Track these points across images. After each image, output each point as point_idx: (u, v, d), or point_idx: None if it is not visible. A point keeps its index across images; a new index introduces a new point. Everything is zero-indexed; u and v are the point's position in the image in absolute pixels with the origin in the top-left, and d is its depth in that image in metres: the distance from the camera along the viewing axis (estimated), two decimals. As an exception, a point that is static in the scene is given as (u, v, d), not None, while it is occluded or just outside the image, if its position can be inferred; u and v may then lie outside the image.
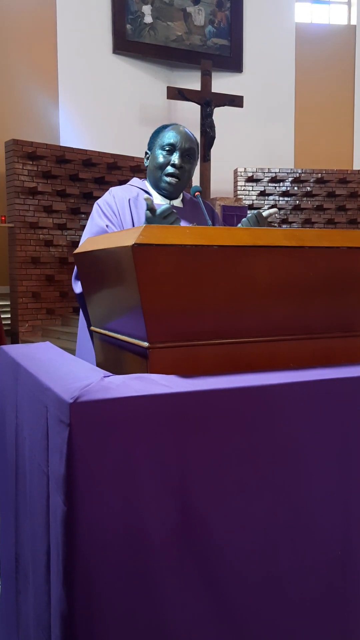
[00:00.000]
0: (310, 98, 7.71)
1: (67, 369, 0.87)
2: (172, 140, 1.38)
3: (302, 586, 0.79)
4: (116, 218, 1.37)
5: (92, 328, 1.09)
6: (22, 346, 1.19)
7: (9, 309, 5.49)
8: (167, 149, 1.38)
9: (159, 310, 0.79)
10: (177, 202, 1.46)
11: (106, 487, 0.66)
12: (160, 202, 1.43)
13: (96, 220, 1.39)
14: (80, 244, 1.42)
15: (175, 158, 1.37)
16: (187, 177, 1.41)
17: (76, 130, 6.51)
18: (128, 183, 1.50)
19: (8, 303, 5.52)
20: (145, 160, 1.46)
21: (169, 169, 1.38)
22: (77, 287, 1.39)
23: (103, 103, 6.68)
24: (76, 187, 5.63)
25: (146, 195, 1.20)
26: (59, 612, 0.67)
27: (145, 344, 0.80)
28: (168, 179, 1.38)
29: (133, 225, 1.37)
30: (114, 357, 0.98)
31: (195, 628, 0.72)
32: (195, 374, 0.80)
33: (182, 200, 1.48)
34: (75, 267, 1.39)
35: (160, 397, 0.70)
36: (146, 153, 1.46)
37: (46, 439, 0.75)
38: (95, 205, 1.43)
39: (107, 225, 1.36)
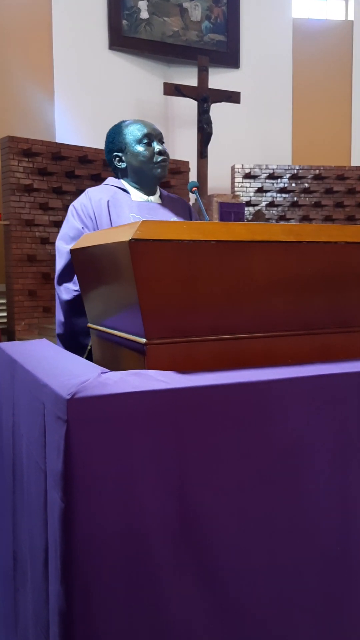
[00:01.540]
0: (307, 94, 7.69)
1: (64, 365, 0.87)
2: (145, 131, 1.39)
3: (299, 582, 0.79)
4: (91, 222, 1.36)
5: (89, 325, 1.08)
6: (18, 343, 1.18)
7: (5, 307, 5.47)
8: (145, 141, 1.38)
9: (156, 306, 0.78)
10: (155, 198, 1.45)
11: (104, 483, 0.66)
12: (139, 199, 1.42)
13: (72, 222, 1.38)
14: (57, 247, 1.40)
15: (157, 146, 1.40)
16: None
17: (72, 126, 6.47)
18: (104, 183, 1.48)
19: (4, 301, 5.49)
20: (117, 163, 1.43)
21: (158, 158, 1.39)
22: (65, 293, 1.35)
23: (99, 99, 6.64)
24: (72, 184, 5.60)
25: None
26: (57, 609, 0.67)
27: (143, 340, 0.80)
28: (160, 164, 1.40)
29: (111, 226, 1.35)
30: (111, 354, 0.98)
31: (193, 623, 0.72)
32: (193, 370, 0.80)
33: (160, 196, 1.48)
34: (60, 271, 1.36)
35: (157, 393, 0.69)
36: (116, 156, 1.43)
37: (43, 436, 0.74)
38: (70, 207, 1.41)
39: (82, 227, 1.35)
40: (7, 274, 5.42)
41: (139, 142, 1.38)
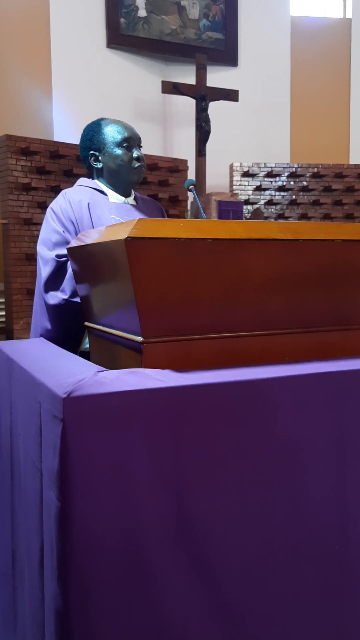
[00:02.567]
0: (306, 92, 7.68)
1: (61, 364, 0.87)
2: (126, 135, 1.39)
3: (298, 580, 0.79)
4: (72, 225, 1.35)
5: (86, 323, 1.08)
6: (15, 342, 1.18)
7: (3, 306, 5.46)
8: (124, 145, 1.39)
9: (153, 304, 0.78)
10: (131, 200, 1.46)
11: (100, 482, 0.66)
12: (116, 200, 1.42)
13: (52, 225, 1.36)
14: (39, 253, 1.38)
15: (136, 152, 1.40)
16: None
17: (70, 125, 6.45)
18: (78, 184, 1.47)
19: (3, 300, 5.49)
20: (93, 162, 1.42)
21: (135, 164, 1.40)
22: (52, 299, 1.33)
23: (97, 97, 6.62)
24: (70, 183, 5.56)
25: None
26: (53, 609, 0.66)
27: (140, 339, 0.79)
28: (136, 171, 1.41)
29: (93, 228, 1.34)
30: (108, 353, 0.97)
31: (191, 622, 0.72)
32: (190, 368, 0.79)
33: (135, 198, 1.49)
34: (46, 279, 1.33)
35: (154, 391, 0.69)
36: (92, 154, 1.42)
37: (39, 435, 0.74)
38: (49, 210, 1.39)
39: (63, 231, 1.34)
40: (5, 273, 5.41)
41: (119, 145, 1.38)
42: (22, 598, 0.91)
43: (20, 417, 0.88)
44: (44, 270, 1.35)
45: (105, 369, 0.78)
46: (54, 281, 1.34)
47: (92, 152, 1.42)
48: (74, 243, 1.04)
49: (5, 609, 1.05)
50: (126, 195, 1.45)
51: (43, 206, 5.38)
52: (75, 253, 1.03)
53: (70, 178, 5.58)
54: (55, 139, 6.12)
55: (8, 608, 1.03)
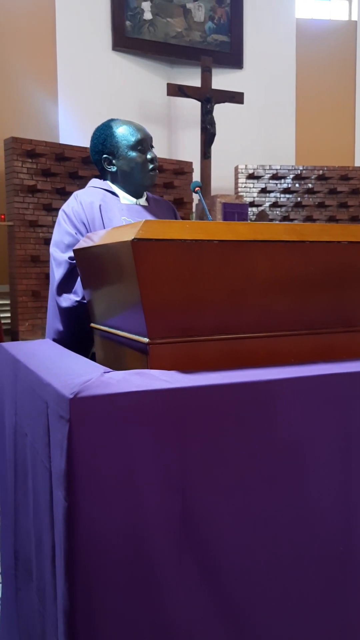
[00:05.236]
0: (311, 94, 7.68)
1: (67, 365, 0.87)
2: (139, 136, 1.39)
3: (302, 580, 0.79)
4: (84, 227, 1.35)
5: (92, 325, 1.09)
6: (21, 343, 1.18)
7: (8, 308, 5.49)
8: (138, 147, 1.38)
9: (159, 305, 0.78)
10: (142, 201, 1.46)
11: (107, 482, 0.66)
12: (128, 202, 1.43)
13: (64, 227, 1.36)
14: (52, 255, 1.38)
15: (150, 154, 1.40)
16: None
17: (76, 127, 6.49)
18: (89, 185, 1.47)
19: (8, 302, 5.51)
20: (107, 165, 1.41)
21: (150, 165, 1.40)
22: (65, 302, 1.33)
23: (103, 100, 6.65)
24: (76, 185, 5.60)
25: None
26: (62, 608, 0.67)
27: (145, 340, 0.80)
28: (152, 173, 1.41)
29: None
30: (113, 354, 0.98)
31: (195, 621, 0.72)
32: (196, 370, 0.80)
33: (147, 199, 1.48)
34: (59, 281, 1.33)
35: (160, 392, 0.69)
36: (106, 159, 1.41)
37: (47, 435, 0.75)
38: (61, 212, 1.39)
39: (75, 233, 1.35)
40: (10, 275, 5.43)
41: (133, 148, 1.38)
42: (28, 598, 0.91)
43: (27, 417, 0.89)
44: (57, 273, 1.35)
45: (111, 369, 0.79)
46: (67, 283, 1.34)
47: (105, 155, 1.41)
48: (80, 244, 1.04)
49: (7, 608, 1.06)
50: (138, 196, 1.45)
51: (48, 208, 5.41)
52: (82, 254, 1.03)
53: (75, 180, 5.61)
54: (61, 142, 6.15)
55: (11, 608, 1.03)
